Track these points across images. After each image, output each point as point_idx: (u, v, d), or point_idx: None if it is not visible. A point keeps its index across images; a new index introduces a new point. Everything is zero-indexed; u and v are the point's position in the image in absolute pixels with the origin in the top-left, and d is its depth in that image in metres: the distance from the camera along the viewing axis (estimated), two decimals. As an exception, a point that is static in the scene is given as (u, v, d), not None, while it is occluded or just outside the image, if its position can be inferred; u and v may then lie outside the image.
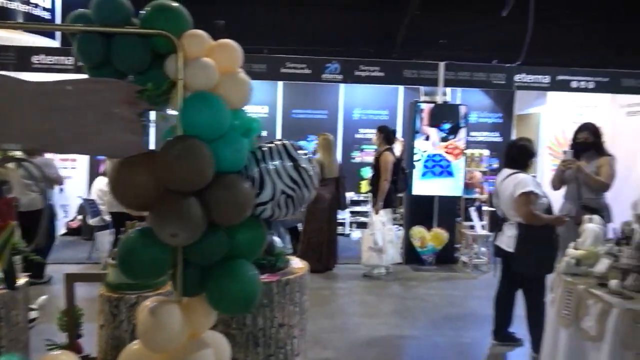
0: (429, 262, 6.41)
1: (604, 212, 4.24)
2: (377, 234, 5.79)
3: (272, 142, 2.06)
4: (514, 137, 8.07)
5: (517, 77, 6.49)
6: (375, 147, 6.21)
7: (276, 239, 6.01)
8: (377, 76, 6.38)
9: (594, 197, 4.21)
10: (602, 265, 2.77)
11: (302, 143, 8.04)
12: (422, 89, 7.13)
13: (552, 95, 7.30)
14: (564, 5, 7.57)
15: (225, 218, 1.83)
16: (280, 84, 7.91)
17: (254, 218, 2.01)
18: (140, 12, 1.85)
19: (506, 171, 3.87)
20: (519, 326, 3.89)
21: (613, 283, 2.59)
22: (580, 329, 2.70)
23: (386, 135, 5.93)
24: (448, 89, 6.75)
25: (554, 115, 7.39)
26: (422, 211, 6.51)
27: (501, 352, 3.90)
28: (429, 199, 6.50)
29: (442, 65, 6.38)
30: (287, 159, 1.99)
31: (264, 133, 7.65)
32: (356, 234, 7.83)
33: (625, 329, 2.43)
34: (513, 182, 3.72)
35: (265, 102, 8.04)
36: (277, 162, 1.98)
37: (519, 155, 3.89)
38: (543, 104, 7.58)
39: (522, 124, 8.39)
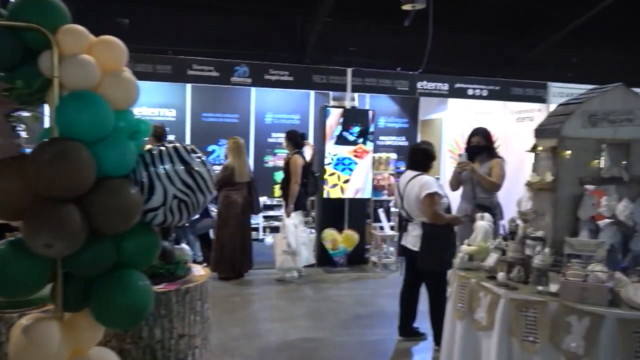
0: (341, 264, 6.53)
1: (496, 210, 4.57)
2: (290, 237, 5.79)
3: (162, 145, 1.96)
4: (418, 141, 8.45)
5: (419, 84, 6.83)
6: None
7: (185, 246, 5.84)
8: (287, 81, 6.40)
9: (487, 197, 4.52)
10: (491, 259, 2.97)
11: (213, 147, 7.96)
12: (332, 94, 7.26)
13: (452, 101, 7.76)
14: (460, 19, 8.11)
15: (109, 226, 1.72)
16: (188, 86, 7.67)
17: (145, 225, 1.91)
18: (10, 1, 1.68)
19: (410, 173, 4.04)
20: (423, 321, 4.06)
21: (500, 275, 2.78)
22: (474, 320, 2.87)
23: (294, 140, 5.97)
24: (356, 95, 6.93)
25: (454, 121, 7.86)
26: (333, 213, 6.61)
27: (406, 347, 4.04)
28: (340, 202, 6.62)
29: (349, 71, 6.54)
30: (179, 163, 1.91)
31: (171, 137, 7.37)
32: (270, 238, 7.78)
33: (511, 317, 2.62)
34: (418, 183, 3.88)
35: (173, 105, 7.75)
36: (167, 166, 1.89)
37: (421, 158, 4.08)
38: (444, 110, 8.02)
39: (426, 128, 8.83)
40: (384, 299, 5.17)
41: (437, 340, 3.75)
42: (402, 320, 4.14)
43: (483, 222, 3.22)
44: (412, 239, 3.95)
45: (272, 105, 8.31)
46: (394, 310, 4.26)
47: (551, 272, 2.64)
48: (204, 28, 7.54)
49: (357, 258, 6.63)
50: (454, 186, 4.69)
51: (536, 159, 3.03)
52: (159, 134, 5.35)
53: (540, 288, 2.60)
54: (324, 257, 6.52)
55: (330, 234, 6.52)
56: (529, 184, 3.00)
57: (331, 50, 8.28)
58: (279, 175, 8.08)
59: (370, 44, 8.90)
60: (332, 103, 7.11)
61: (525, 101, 7.42)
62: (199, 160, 1.98)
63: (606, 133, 2.85)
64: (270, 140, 8.33)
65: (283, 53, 7.75)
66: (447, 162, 7.65)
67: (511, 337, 2.63)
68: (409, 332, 4.13)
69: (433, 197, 3.75)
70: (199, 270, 2.89)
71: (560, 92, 7.26)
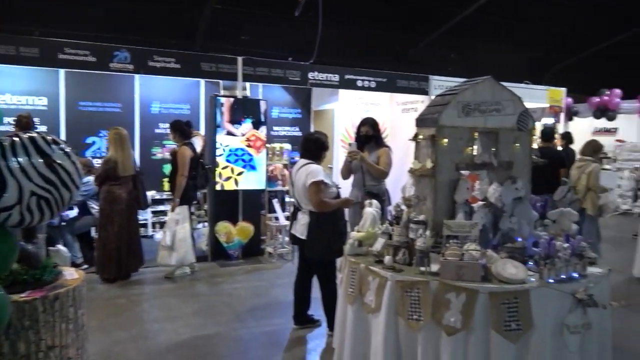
0: (236, 257, 6.40)
1: (384, 197, 4.77)
2: (167, 232, 5.54)
3: (16, 135, 1.72)
4: (311, 131, 8.54)
5: (310, 75, 6.88)
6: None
7: (61, 247, 5.33)
8: (173, 68, 6.07)
9: (375, 184, 4.69)
10: (379, 244, 3.08)
11: (92, 139, 7.33)
12: (222, 83, 7.04)
13: (343, 92, 7.94)
14: (350, 13, 8.33)
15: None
16: (62, 72, 6.94)
17: (-3, 226, 1.66)
18: None
19: (301, 162, 4.05)
20: (317, 308, 4.11)
21: (387, 259, 2.89)
22: (364, 303, 2.95)
23: (180, 130, 5.70)
24: (247, 84, 6.80)
25: (345, 111, 8.06)
26: (227, 206, 6.45)
27: (301, 335, 4.07)
28: (234, 194, 6.48)
29: (240, 59, 6.38)
30: (37, 155, 1.69)
31: (43, 128, 6.65)
32: (160, 234, 7.39)
33: (397, 298, 2.73)
34: (305, 172, 3.91)
35: (43, 92, 6.97)
36: (22, 159, 1.66)
37: (313, 147, 4.10)
38: (336, 101, 8.19)
39: (319, 119, 8.96)
40: (279, 289, 5.16)
41: (331, 325, 3.82)
42: (296, 308, 4.16)
43: (370, 208, 3.32)
44: (301, 228, 3.97)
45: (159, 94, 7.83)
46: (289, 300, 4.27)
47: (432, 253, 2.79)
48: (78, 11, 6.89)
49: (252, 250, 6.55)
50: (345, 174, 4.80)
51: (418, 147, 3.18)
52: (24, 124, 4.80)
53: (422, 269, 2.74)
54: (218, 251, 6.35)
55: (224, 226, 6.35)
56: (412, 171, 3.15)
57: (223, 39, 8.04)
58: (168, 168, 7.71)
59: (263, 34, 8.81)
60: (222, 92, 6.89)
61: (409, 93, 7.82)
62: (62, 151, 1.76)
63: (478, 122, 3.07)
64: (157, 131, 7.86)
65: (172, 40, 7.37)
66: (340, 151, 7.84)
67: (397, 317, 2.75)
68: (303, 320, 4.16)
69: (319, 186, 3.79)
70: (72, 274, 2.62)
71: (440, 85, 7.76)
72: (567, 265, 2.68)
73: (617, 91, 11.23)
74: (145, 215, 7.37)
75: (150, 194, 6.91)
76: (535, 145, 5.61)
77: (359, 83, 7.29)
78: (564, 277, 2.65)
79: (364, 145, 4.67)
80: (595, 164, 5.70)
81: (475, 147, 3.20)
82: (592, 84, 12.38)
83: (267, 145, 6.66)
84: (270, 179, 6.78)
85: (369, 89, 7.41)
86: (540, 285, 2.57)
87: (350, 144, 4.63)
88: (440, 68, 10.39)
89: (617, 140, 13.06)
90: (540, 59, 15.63)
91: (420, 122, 3.15)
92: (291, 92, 8.49)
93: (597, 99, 11.35)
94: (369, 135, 4.73)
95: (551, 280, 2.61)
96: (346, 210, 4.24)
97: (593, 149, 5.85)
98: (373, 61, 8.65)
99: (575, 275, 2.69)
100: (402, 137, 7.20)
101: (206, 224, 6.54)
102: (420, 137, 3.10)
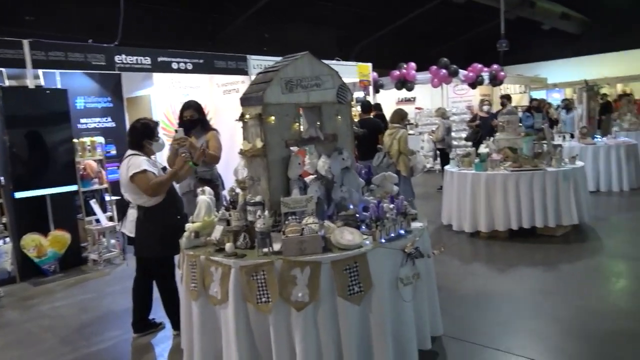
0: (52, 271, 5.59)
1: (217, 182, 4.60)
2: None
3: None
4: (127, 121, 7.82)
5: (117, 58, 6.23)
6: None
7: None
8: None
9: (207, 169, 4.50)
10: (217, 232, 2.93)
11: None
12: (5, 71, 5.92)
13: (158, 77, 7.40)
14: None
15: None
16: None
17: None
18: None
19: (127, 153, 3.70)
20: (159, 310, 3.80)
21: (227, 246, 2.77)
22: (209, 296, 2.80)
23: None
24: (40, 72, 5.85)
25: (162, 96, 7.54)
26: (32, 215, 5.55)
27: (145, 342, 3.73)
28: (40, 200, 5.60)
29: (26, 43, 5.44)
30: None
31: None
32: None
33: (243, 284, 2.64)
34: (126, 165, 3.56)
35: None
36: None
37: (131, 136, 3.75)
38: (151, 86, 7.60)
39: (133, 106, 8.21)
40: (111, 298, 4.66)
41: (176, 325, 3.59)
42: (136, 314, 3.79)
43: (204, 196, 3.14)
44: (130, 225, 3.64)
45: None
46: (124, 308, 3.89)
47: (274, 233, 2.76)
48: None
49: (73, 260, 5.79)
50: (173, 163, 4.48)
51: (245, 127, 3.09)
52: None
53: (265, 250, 2.69)
54: (28, 269, 5.46)
55: (32, 239, 5.47)
56: (242, 152, 3.05)
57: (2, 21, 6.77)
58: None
59: (54, 14, 7.66)
60: (7, 83, 5.79)
61: (228, 74, 7.65)
62: None
63: (301, 97, 3.10)
64: None
65: None
66: (163, 140, 7.33)
67: (246, 303, 2.67)
68: (144, 326, 3.82)
69: (144, 174, 3.49)
70: None
71: (258, 64, 7.75)
72: (395, 224, 2.90)
73: (412, 64, 12.65)
74: None
75: None
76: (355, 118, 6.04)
77: (175, 65, 6.87)
78: (393, 235, 2.87)
79: (190, 130, 4.41)
80: (403, 130, 6.33)
81: (302, 122, 3.25)
82: (392, 58, 13.75)
83: (75, 140, 5.88)
84: (83, 177, 6.03)
85: (185, 71, 7.03)
86: (374, 246, 2.73)
87: (176, 131, 4.27)
88: (256, 48, 10.40)
89: (417, 108, 14.84)
90: (346, 38, 16.82)
91: (245, 101, 3.06)
92: (96, 78, 7.63)
93: (397, 72, 12.64)
94: (194, 119, 4.49)
95: (383, 240, 2.80)
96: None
97: (400, 117, 6.48)
98: (186, 44, 8.22)
99: (402, 232, 2.93)
100: (226, 120, 7.04)
101: (7, 239, 5.54)
102: (247, 116, 3.01)
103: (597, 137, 9.11)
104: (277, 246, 2.70)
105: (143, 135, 3.74)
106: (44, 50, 5.57)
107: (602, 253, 5.29)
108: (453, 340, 3.39)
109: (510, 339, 3.43)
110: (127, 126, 6.81)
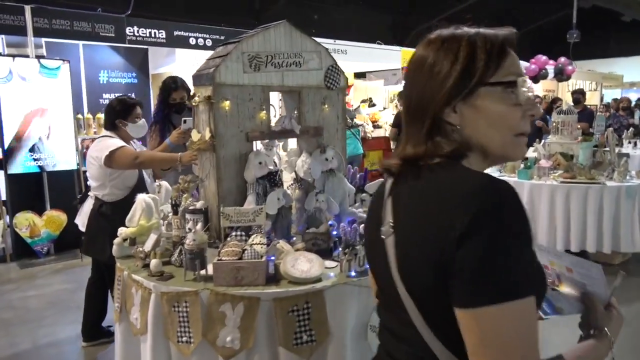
0: (45, 253, 5.29)
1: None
2: None
3: None
4: (151, 98, 7.45)
5: (129, 30, 5.79)
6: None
7: None
8: None
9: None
10: (150, 241, 2.34)
11: None
12: (4, 38, 5.61)
13: (180, 53, 6.94)
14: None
15: None
16: None
17: None
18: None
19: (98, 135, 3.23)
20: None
21: (153, 263, 2.17)
22: (130, 322, 2.24)
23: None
24: (43, 40, 5.51)
25: (183, 75, 7.08)
26: (27, 193, 5.26)
27: (91, 352, 3.26)
28: (37, 177, 5.29)
29: (28, 9, 5.08)
30: None
31: None
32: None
33: (165, 315, 2.05)
34: (95, 147, 3.09)
35: None
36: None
37: (106, 115, 3.27)
38: (173, 62, 7.17)
39: (157, 84, 7.85)
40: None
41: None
42: (86, 320, 3.32)
43: (143, 195, 2.55)
44: (83, 218, 3.14)
45: None
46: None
47: (213, 251, 2.15)
48: None
49: (68, 243, 5.45)
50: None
51: (196, 113, 2.47)
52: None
53: (195, 274, 2.08)
54: (20, 249, 5.18)
55: (26, 218, 5.19)
56: (190, 144, 2.43)
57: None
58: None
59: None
60: (6, 51, 5.48)
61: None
62: None
63: (272, 79, 2.43)
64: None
65: None
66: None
67: (167, 340, 2.08)
68: (96, 334, 3.34)
69: (124, 147, 3.01)
70: None
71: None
72: (373, 252, 2.19)
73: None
74: None
75: None
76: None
77: (192, 41, 6.36)
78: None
79: (179, 114, 3.83)
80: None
81: (274, 110, 2.59)
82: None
83: (89, 115, 5.53)
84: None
85: (204, 47, 6.50)
86: (339, 281, 2.05)
87: (184, 121, 3.56)
88: (303, 31, 9.80)
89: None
90: (401, 23, 15.83)
91: (197, 79, 2.44)
92: (123, 52, 7.29)
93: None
94: (184, 102, 3.91)
95: (353, 273, 2.11)
96: None
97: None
98: (225, 20, 7.69)
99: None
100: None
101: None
102: (196, 99, 2.38)
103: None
104: (211, 269, 2.08)
105: (117, 114, 3.22)
106: (47, 17, 5.21)
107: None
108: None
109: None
110: (152, 104, 6.45)
